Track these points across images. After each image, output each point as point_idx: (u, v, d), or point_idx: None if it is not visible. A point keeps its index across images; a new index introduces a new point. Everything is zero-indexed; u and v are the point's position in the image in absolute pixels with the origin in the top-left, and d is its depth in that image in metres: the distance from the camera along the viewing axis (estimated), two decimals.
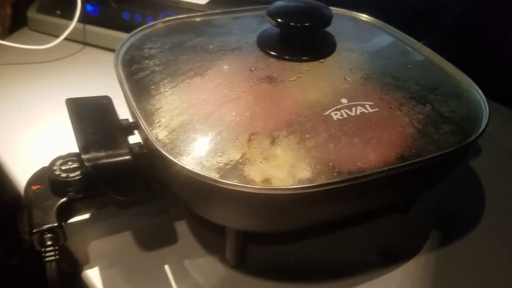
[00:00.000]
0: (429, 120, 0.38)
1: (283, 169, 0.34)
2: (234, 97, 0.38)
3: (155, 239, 0.45)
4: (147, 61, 0.44)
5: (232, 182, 0.33)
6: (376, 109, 0.38)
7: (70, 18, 0.71)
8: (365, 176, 0.34)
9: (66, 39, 0.72)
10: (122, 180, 0.38)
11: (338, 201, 0.36)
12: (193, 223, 0.46)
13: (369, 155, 0.35)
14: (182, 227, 0.46)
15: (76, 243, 0.44)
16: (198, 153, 0.35)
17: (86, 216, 0.46)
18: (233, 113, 0.37)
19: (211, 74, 0.40)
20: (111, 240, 0.45)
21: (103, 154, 0.37)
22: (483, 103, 0.41)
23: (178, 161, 0.34)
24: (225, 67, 0.41)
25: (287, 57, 0.41)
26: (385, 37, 0.50)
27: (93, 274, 0.42)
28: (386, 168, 0.34)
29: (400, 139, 0.37)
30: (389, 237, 0.47)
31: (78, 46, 0.75)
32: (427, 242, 0.46)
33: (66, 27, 0.71)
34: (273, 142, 0.35)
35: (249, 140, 0.35)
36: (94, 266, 0.42)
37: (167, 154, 0.35)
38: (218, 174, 0.34)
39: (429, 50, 0.48)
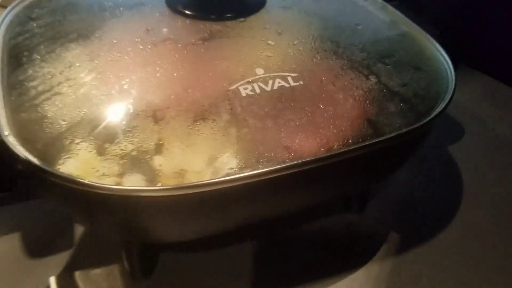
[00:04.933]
0: (371, 96, 0.29)
1: (163, 161, 0.25)
2: (116, 66, 0.29)
3: (44, 243, 0.37)
4: (31, 23, 0.35)
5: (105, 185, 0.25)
6: (300, 82, 0.29)
7: None
8: (271, 172, 0.25)
9: None
10: None
11: (242, 202, 0.27)
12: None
13: (283, 143, 0.27)
14: (81, 229, 0.38)
15: None
16: (55, 140, 0.27)
17: None
18: (109, 86, 0.28)
19: (97, 35, 0.32)
20: None
21: None
22: (449, 74, 0.32)
23: (26, 156, 0.26)
24: (117, 27, 0.32)
25: (197, 15, 0.32)
26: None
27: None
28: (299, 161, 0.25)
29: (328, 122, 0.28)
30: (339, 240, 0.38)
31: None
32: (383, 247, 0.38)
33: None
34: (156, 123, 0.27)
35: (124, 124, 0.27)
36: None
37: (12, 146, 0.26)
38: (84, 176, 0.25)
39: (394, 10, 0.39)
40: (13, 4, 0.38)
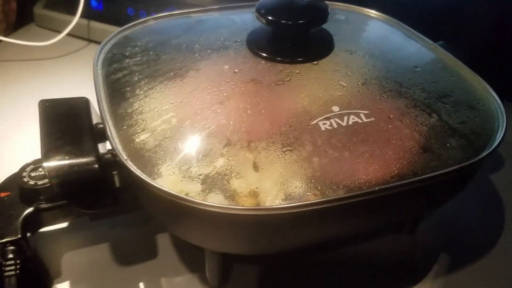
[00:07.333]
0: (434, 132, 0.33)
1: (257, 187, 0.30)
2: (212, 102, 0.34)
3: (133, 253, 0.42)
4: (127, 60, 0.40)
5: (209, 203, 0.29)
6: (372, 119, 0.33)
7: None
8: (351, 197, 0.29)
9: (71, 35, 0.70)
10: (86, 191, 0.34)
11: (322, 222, 0.32)
12: (175, 236, 0.42)
13: (359, 172, 0.31)
14: (163, 241, 0.43)
15: (49, 253, 0.41)
16: (167, 166, 0.31)
17: (63, 225, 0.43)
18: (208, 120, 0.33)
19: (192, 75, 0.37)
20: (86, 252, 0.42)
21: (65, 162, 0.33)
22: (500, 114, 0.36)
23: (143, 175, 0.31)
24: (208, 68, 0.37)
25: (276, 58, 0.37)
26: (394, 36, 0.45)
27: None
28: (376, 188, 0.30)
29: (398, 154, 0.32)
30: (392, 259, 0.42)
31: (82, 43, 0.72)
32: (434, 267, 0.41)
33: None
34: (249, 153, 0.31)
35: (222, 153, 0.31)
36: (65, 280, 0.39)
37: (131, 167, 0.31)
38: (187, 192, 0.30)
39: (445, 51, 0.43)
40: (104, 41, 0.43)
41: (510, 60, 0.61)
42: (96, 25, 0.72)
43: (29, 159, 0.40)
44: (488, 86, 0.39)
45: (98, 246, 0.42)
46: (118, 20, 0.70)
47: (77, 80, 0.64)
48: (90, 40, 0.73)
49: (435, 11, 0.66)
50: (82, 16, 0.68)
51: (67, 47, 0.71)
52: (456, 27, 0.68)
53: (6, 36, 0.70)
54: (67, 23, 0.69)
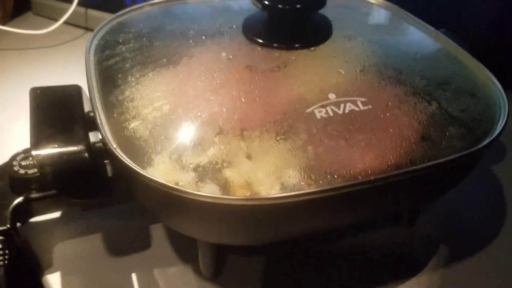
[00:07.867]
0: (433, 120, 0.32)
1: (249, 176, 0.29)
2: (205, 90, 0.33)
3: (126, 243, 0.41)
4: (120, 47, 0.39)
5: (200, 193, 0.28)
6: (369, 107, 0.32)
7: None
8: (346, 187, 0.28)
9: (68, 23, 0.69)
10: (76, 180, 0.34)
11: (317, 213, 0.31)
12: (169, 227, 0.42)
13: (355, 161, 0.30)
14: (157, 231, 0.42)
15: (41, 244, 0.40)
16: (158, 155, 0.30)
17: (55, 215, 0.42)
18: (201, 108, 0.32)
19: (185, 62, 0.36)
20: (78, 242, 0.41)
21: (54, 150, 0.32)
22: (502, 102, 0.35)
23: (132, 164, 0.30)
24: (202, 54, 0.36)
25: (272, 44, 0.36)
26: (394, 23, 0.43)
27: (53, 280, 0.38)
28: (372, 178, 0.29)
29: (395, 143, 0.31)
30: (391, 252, 0.41)
31: (79, 31, 0.71)
32: (433, 259, 0.40)
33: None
34: (242, 142, 0.30)
35: (214, 141, 0.30)
36: (56, 271, 0.39)
37: (121, 156, 0.30)
38: (177, 181, 0.29)
39: (446, 38, 0.42)
40: (98, 28, 0.42)
41: (510, 60, 0.60)
42: (93, 13, 0.71)
43: (21, 148, 0.39)
44: (490, 74, 0.38)
45: (90, 236, 0.41)
46: (116, 8, 0.68)
47: (74, 68, 0.63)
48: (87, 29, 0.72)
49: (435, 11, 0.65)
50: (79, 4, 0.67)
51: (64, 35, 0.70)
52: (456, 27, 0.66)
53: (3, 24, 0.69)
54: (64, 11, 0.68)
